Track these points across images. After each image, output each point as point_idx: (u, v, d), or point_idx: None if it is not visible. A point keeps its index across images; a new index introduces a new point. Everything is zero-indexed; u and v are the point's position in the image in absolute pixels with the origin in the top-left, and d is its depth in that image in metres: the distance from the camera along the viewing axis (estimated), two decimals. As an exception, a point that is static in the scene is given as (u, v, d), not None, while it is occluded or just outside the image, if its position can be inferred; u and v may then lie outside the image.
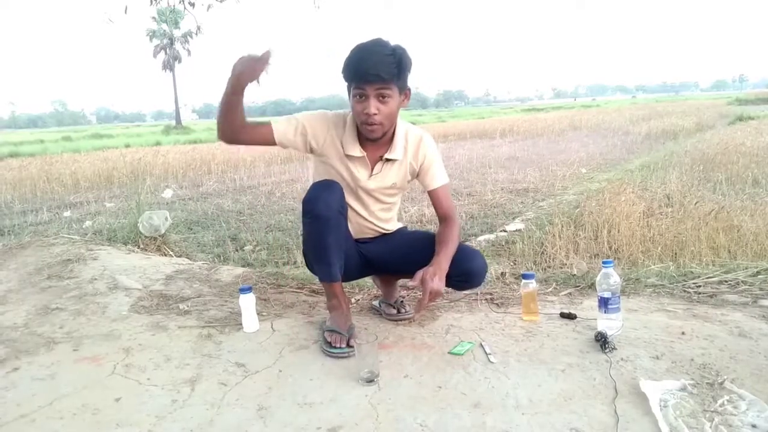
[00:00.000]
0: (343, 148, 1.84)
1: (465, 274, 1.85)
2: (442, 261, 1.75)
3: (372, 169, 1.88)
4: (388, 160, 1.86)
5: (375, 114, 1.70)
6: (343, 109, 1.93)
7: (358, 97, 1.71)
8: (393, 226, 2.07)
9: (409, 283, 1.74)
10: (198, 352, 1.88)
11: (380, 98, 1.69)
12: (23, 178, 9.82)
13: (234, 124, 1.75)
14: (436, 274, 1.69)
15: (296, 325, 2.09)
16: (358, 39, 1.78)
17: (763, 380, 1.50)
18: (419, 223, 5.14)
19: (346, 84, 1.76)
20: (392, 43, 1.71)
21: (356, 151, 1.83)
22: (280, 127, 1.81)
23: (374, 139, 1.79)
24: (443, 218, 1.92)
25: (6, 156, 17.06)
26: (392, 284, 2.16)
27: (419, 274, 1.70)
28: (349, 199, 1.92)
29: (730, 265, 2.51)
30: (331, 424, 1.41)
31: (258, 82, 1.66)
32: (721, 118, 19.75)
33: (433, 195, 1.92)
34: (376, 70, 1.64)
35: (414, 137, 1.89)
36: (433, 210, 1.97)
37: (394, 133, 1.84)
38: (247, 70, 1.65)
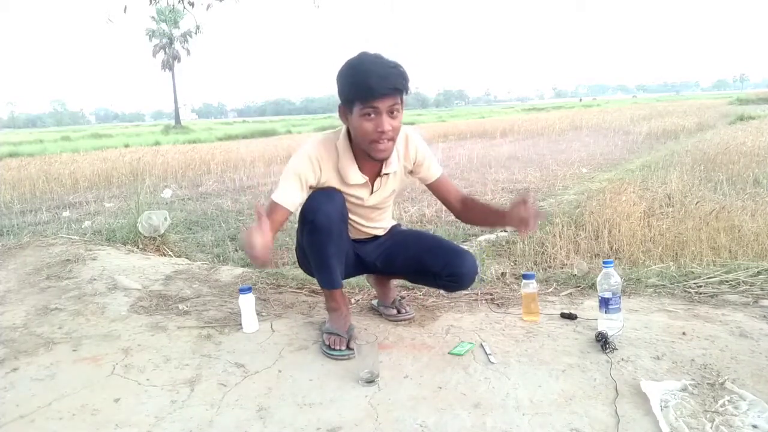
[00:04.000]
0: (342, 176, 1.78)
1: (455, 275, 1.84)
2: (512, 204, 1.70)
3: (373, 187, 1.85)
4: (386, 174, 1.83)
5: (389, 130, 1.63)
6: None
7: (368, 115, 1.62)
8: (387, 224, 2.07)
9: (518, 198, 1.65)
10: (197, 352, 1.87)
11: (390, 114, 1.63)
12: (22, 178, 9.80)
13: None
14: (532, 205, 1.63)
15: (296, 325, 2.08)
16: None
17: (764, 381, 1.49)
18: (419, 223, 5.13)
19: (339, 104, 1.69)
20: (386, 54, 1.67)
21: (358, 178, 1.79)
22: (287, 198, 1.73)
23: (382, 159, 1.72)
24: (455, 200, 1.91)
25: (5, 156, 17.04)
26: (386, 285, 2.15)
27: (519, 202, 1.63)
28: (350, 215, 1.91)
29: (731, 265, 2.50)
30: (330, 424, 1.41)
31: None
32: (722, 117, 19.73)
33: (436, 186, 1.91)
34: (391, 83, 1.58)
35: (400, 138, 1.83)
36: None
37: None
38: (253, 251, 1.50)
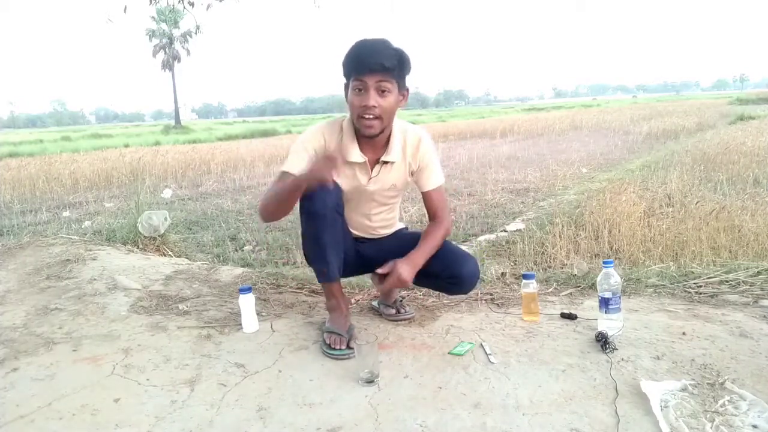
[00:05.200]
0: (343, 153, 1.81)
1: (455, 277, 1.84)
2: (417, 256, 1.79)
3: (371, 172, 1.86)
4: (385, 162, 1.84)
5: (374, 107, 1.67)
6: (343, 112, 1.92)
7: (357, 90, 1.69)
8: (393, 228, 2.07)
9: (378, 270, 1.76)
10: (197, 352, 1.87)
11: (380, 92, 1.68)
12: (22, 178, 9.80)
13: (283, 214, 1.79)
14: (407, 265, 1.74)
15: (296, 325, 2.09)
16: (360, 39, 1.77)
17: (764, 380, 1.49)
18: (419, 224, 5.14)
19: (344, 82, 1.75)
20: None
21: (357, 156, 1.81)
22: (295, 166, 1.77)
23: (371, 136, 1.75)
24: (432, 218, 1.92)
25: (5, 156, 17.04)
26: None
27: (391, 263, 1.74)
28: (350, 207, 1.92)
29: (731, 265, 2.50)
30: (330, 424, 1.41)
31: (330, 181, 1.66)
32: (722, 117, 19.73)
33: (426, 196, 1.91)
34: (378, 58, 1.64)
35: (413, 137, 1.86)
36: None
37: (390, 134, 1.82)
38: (320, 172, 1.65)
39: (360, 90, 1.68)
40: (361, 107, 1.68)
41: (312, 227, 1.79)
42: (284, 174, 1.80)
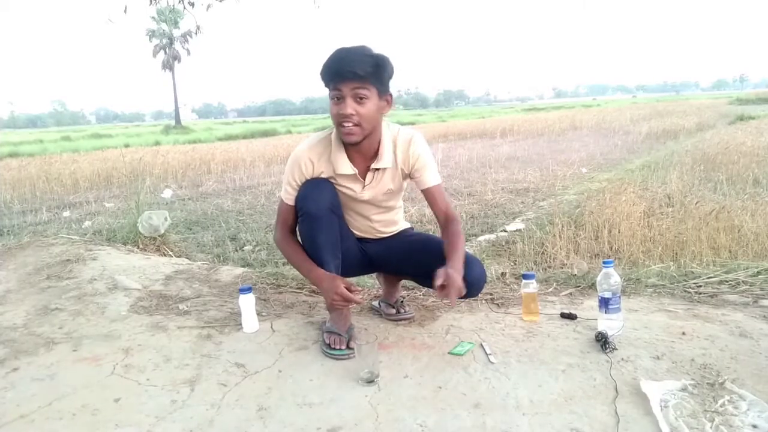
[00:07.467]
0: (333, 166, 1.81)
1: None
2: (458, 262, 1.68)
3: (364, 181, 1.85)
4: (377, 169, 1.83)
5: (351, 114, 1.66)
6: None
7: (335, 99, 1.68)
8: (397, 228, 2.07)
9: (436, 281, 1.61)
10: (198, 352, 1.88)
11: (357, 99, 1.66)
12: (22, 178, 9.82)
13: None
14: (457, 273, 1.62)
15: (296, 325, 2.09)
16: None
17: (763, 380, 1.50)
18: (419, 223, 5.14)
19: (328, 91, 1.74)
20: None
21: (347, 168, 1.80)
22: (290, 197, 1.86)
23: (353, 144, 1.74)
24: (445, 217, 1.85)
25: (5, 156, 17.04)
26: (394, 284, 2.16)
27: (441, 273, 1.61)
28: (348, 212, 1.93)
29: (730, 265, 2.50)
30: (330, 424, 1.41)
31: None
32: (722, 117, 19.74)
33: (428, 193, 1.86)
34: (351, 66, 1.62)
35: (403, 140, 1.83)
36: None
37: (380, 141, 1.80)
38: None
39: (337, 99, 1.68)
40: (339, 116, 1.68)
41: (308, 229, 1.80)
42: (282, 202, 1.89)
